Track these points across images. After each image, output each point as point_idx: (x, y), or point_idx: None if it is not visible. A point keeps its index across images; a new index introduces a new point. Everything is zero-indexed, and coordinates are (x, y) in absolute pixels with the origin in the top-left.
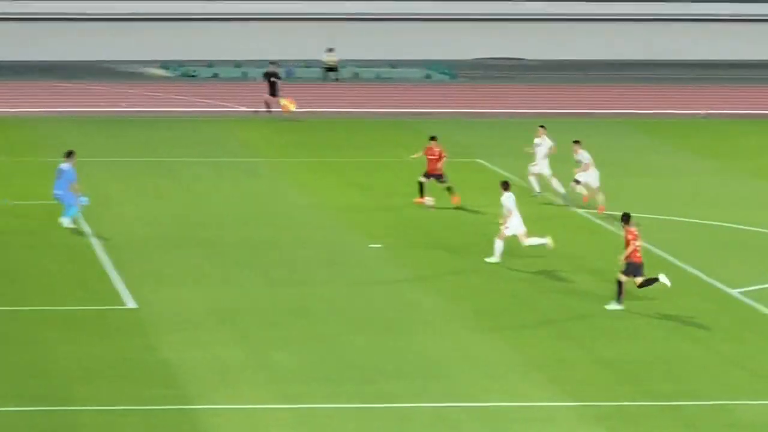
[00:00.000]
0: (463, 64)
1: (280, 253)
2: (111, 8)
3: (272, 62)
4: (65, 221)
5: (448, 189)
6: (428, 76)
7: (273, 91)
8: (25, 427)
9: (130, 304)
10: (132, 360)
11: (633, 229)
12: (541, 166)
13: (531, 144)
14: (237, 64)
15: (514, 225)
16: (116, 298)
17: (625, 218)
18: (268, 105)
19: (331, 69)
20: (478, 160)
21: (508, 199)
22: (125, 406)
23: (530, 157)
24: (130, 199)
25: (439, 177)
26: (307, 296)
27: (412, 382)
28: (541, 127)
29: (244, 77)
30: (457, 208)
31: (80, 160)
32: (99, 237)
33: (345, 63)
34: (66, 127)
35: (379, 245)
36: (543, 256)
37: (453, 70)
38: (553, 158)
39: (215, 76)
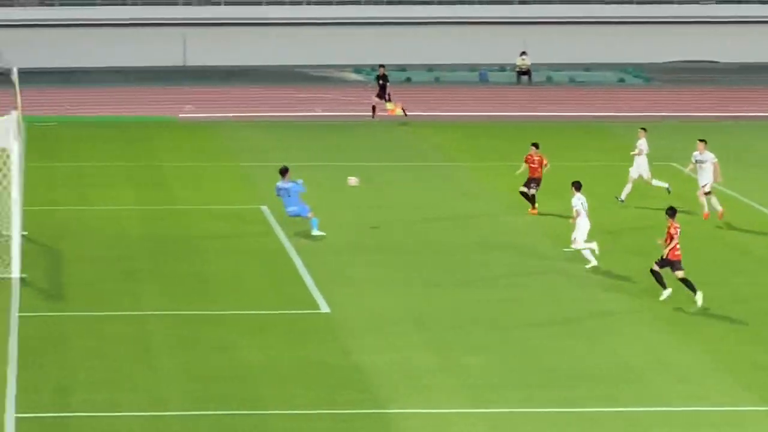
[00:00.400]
0: (657, 67)
1: (472, 257)
2: (304, 13)
3: (381, 65)
4: (316, 232)
5: (531, 197)
6: (621, 80)
7: (381, 94)
8: (221, 430)
9: (323, 308)
10: (324, 364)
11: (677, 224)
12: (641, 168)
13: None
14: (429, 68)
15: (582, 228)
16: (309, 302)
17: (671, 212)
18: (374, 109)
19: (524, 73)
20: (672, 164)
21: (577, 201)
22: (316, 410)
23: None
24: (323, 204)
25: (537, 182)
26: (498, 300)
27: (603, 386)
28: (642, 129)
29: (437, 81)
30: (641, 208)
31: (273, 165)
32: (292, 241)
33: (538, 66)
34: (260, 132)
35: (571, 249)
36: (736, 259)
37: (646, 74)
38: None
39: (408, 80)
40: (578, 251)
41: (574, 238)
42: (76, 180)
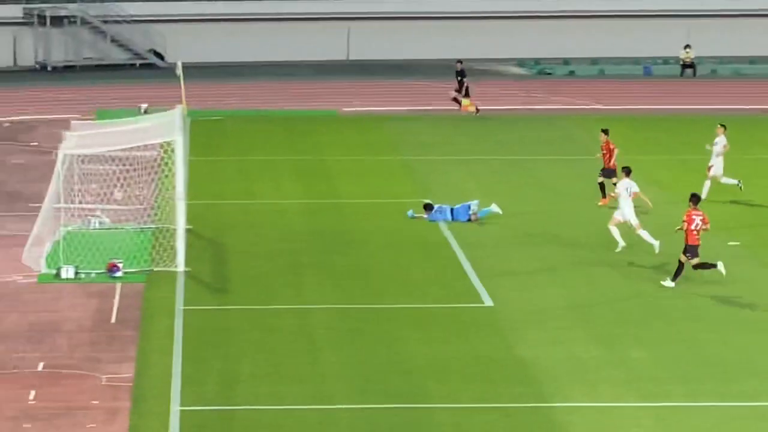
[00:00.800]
0: None
1: (637, 251)
2: (466, 7)
3: (459, 61)
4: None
5: (602, 186)
6: None
7: (460, 89)
8: (383, 424)
9: (487, 301)
10: (488, 358)
11: (696, 212)
12: (716, 166)
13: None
14: (593, 61)
15: (626, 213)
16: (473, 296)
17: (695, 199)
18: (457, 101)
19: (688, 65)
20: None
21: (622, 185)
22: (481, 404)
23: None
24: (486, 197)
25: (610, 173)
26: (663, 294)
27: None
28: (721, 125)
29: (601, 74)
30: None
31: (436, 158)
32: (455, 234)
33: (702, 59)
34: (422, 126)
35: (738, 243)
36: None
37: None
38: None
39: (571, 73)
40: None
41: (632, 223)
42: (240, 174)
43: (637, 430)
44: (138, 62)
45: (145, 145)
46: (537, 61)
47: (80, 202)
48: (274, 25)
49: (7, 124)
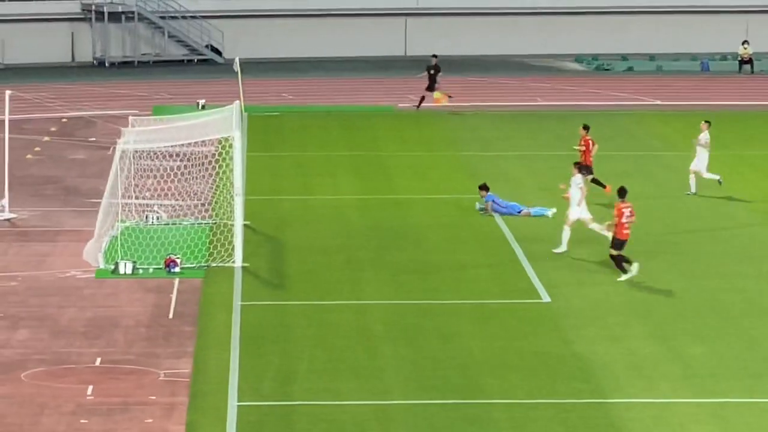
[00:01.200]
0: None
1: (695, 247)
2: (523, 3)
3: (434, 56)
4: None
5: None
6: None
7: (431, 85)
8: (440, 420)
9: (545, 297)
10: (546, 354)
11: (625, 205)
12: (699, 161)
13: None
14: (651, 57)
15: (576, 211)
16: (531, 292)
17: (621, 193)
18: (422, 99)
19: (746, 62)
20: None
21: (575, 180)
22: (539, 399)
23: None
24: (545, 194)
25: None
26: (722, 290)
27: None
28: (706, 122)
29: (659, 71)
30: None
31: (496, 154)
32: (513, 231)
33: (761, 56)
34: (480, 121)
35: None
36: None
37: None
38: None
39: (630, 69)
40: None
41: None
42: (297, 169)
43: (695, 426)
44: (195, 58)
45: (203, 141)
46: (595, 57)
47: (138, 198)
48: (331, 21)
49: (65, 120)
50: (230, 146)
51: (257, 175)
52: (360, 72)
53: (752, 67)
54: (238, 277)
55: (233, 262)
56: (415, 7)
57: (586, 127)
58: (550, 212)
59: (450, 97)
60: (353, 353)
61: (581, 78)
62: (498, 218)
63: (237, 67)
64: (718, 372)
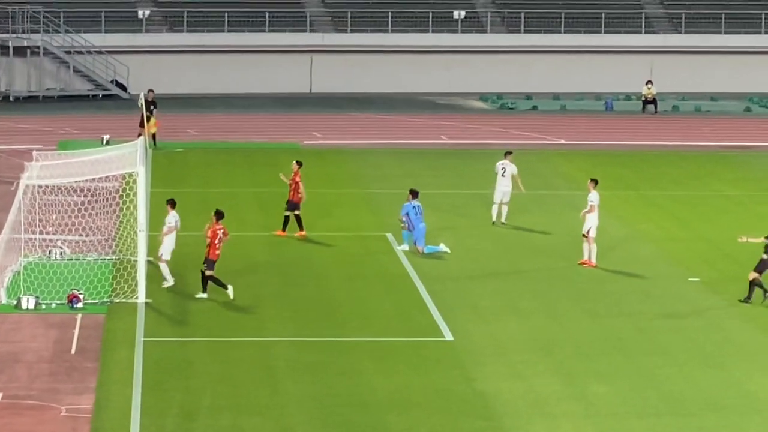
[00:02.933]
0: None
1: (598, 285)
2: (429, 41)
3: (150, 90)
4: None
5: (295, 219)
6: (748, 110)
7: (145, 119)
8: None
9: (447, 335)
10: (448, 391)
11: (219, 227)
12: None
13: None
14: (555, 96)
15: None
16: (433, 330)
17: (219, 215)
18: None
19: (650, 102)
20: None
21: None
22: None
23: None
24: (448, 231)
25: (294, 206)
26: (624, 328)
27: (731, 415)
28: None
29: (563, 110)
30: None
31: (399, 192)
32: (417, 268)
33: (664, 96)
34: (385, 159)
35: (698, 279)
36: None
37: None
38: None
39: (534, 108)
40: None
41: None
42: (202, 205)
43: None
44: (101, 93)
45: (108, 177)
46: (499, 96)
47: (41, 233)
48: (237, 57)
49: None
50: (134, 182)
51: (161, 210)
52: (265, 108)
53: (656, 107)
54: (141, 313)
55: (136, 297)
56: (321, 44)
57: (299, 163)
58: (443, 246)
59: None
60: (256, 390)
61: (486, 116)
62: (402, 256)
63: (142, 103)
64: (620, 410)
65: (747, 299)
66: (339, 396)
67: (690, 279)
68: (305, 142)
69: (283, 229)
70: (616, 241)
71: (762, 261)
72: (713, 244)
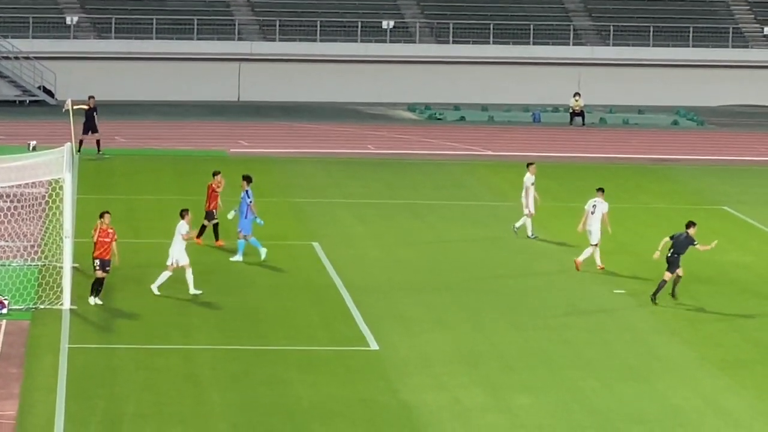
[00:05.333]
0: (711, 110)
1: (524, 298)
2: (357, 50)
3: (91, 96)
4: (238, 257)
5: (203, 228)
6: (675, 123)
7: (90, 126)
8: None
9: (373, 345)
10: (372, 401)
11: (109, 229)
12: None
13: None
14: (483, 107)
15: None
16: (359, 340)
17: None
18: (87, 142)
19: (578, 114)
20: (724, 208)
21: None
22: None
23: None
24: (375, 241)
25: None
26: (550, 341)
27: (655, 429)
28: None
29: (491, 121)
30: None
31: (326, 201)
32: (343, 278)
33: (591, 108)
34: (312, 168)
35: (623, 291)
36: None
37: (700, 117)
38: None
39: (462, 119)
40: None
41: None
42: (128, 213)
43: None
44: (27, 99)
45: (34, 183)
46: (428, 107)
47: None
48: (165, 65)
49: None
50: (61, 188)
51: (87, 217)
52: (193, 116)
53: (583, 119)
54: (66, 319)
55: (61, 304)
56: (249, 52)
57: (216, 173)
58: (263, 253)
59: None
60: (180, 398)
61: (414, 127)
62: (328, 265)
63: (68, 109)
64: (544, 423)
65: (653, 296)
66: (263, 405)
67: (615, 291)
68: (232, 150)
69: (217, 239)
70: (541, 252)
71: (670, 259)
72: (639, 256)
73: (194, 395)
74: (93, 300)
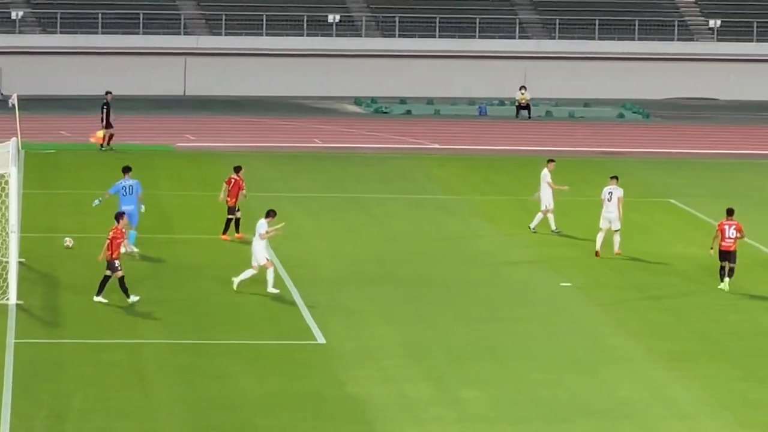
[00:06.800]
0: (657, 103)
1: (471, 290)
2: (304, 44)
3: (108, 92)
4: (131, 248)
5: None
6: (621, 116)
7: (105, 120)
8: None
9: (319, 339)
10: (318, 395)
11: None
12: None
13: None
14: (429, 101)
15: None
16: (305, 333)
17: (117, 217)
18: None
19: (524, 107)
20: (671, 201)
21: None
22: None
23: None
24: (322, 235)
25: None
26: (497, 334)
27: (601, 421)
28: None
29: (437, 114)
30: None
31: (273, 195)
32: (290, 272)
33: (537, 101)
34: (259, 162)
35: (569, 284)
36: (733, 296)
37: (646, 110)
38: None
39: (408, 112)
40: None
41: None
42: (74, 207)
43: None
44: None
45: None
46: (374, 100)
47: None
48: (111, 59)
49: None
50: (6, 183)
51: (33, 212)
52: (139, 110)
53: (530, 112)
54: (12, 314)
55: (7, 299)
56: (195, 46)
57: (239, 168)
58: (133, 248)
59: (107, 142)
60: (126, 392)
61: (360, 120)
62: (275, 259)
63: (14, 104)
64: (490, 415)
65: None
66: (209, 399)
67: (562, 284)
68: (179, 144)
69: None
70: (490, 245)
71: None
72: (585, 249)
73: (140, 389)
74: (133, 298)
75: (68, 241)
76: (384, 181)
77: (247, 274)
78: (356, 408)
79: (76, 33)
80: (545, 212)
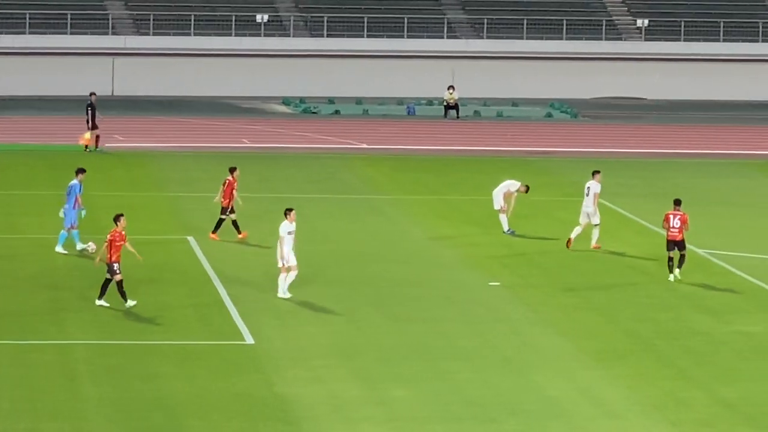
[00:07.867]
0: (584, 103)
1: (400, 290)
2: (232, 44)
3: (92, 93)
4: (81, 246)
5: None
6: (549, 115)
7: (91, 122)
8: None
9: (248, 339)
10: (248, 395)
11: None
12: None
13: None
14: (358, 101)
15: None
16: (234, 333)
17: (116, 219)
18: (97, 139)
19: (452, 107)
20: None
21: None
22: None
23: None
24: (250, 235)
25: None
26: (426, 333)
27: (531, 420)
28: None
29: (365, 114)
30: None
31: (201, 195)
32: (218, 272)
33: (466, 101)
34: (188, 162)
35: (498, 283)
36: (662, 295)
37: (574, 109)
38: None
39: (336, 112)
40: None
41: None
42: (3, 208)
43: None
44: None
45: None
46: (302, 100)
47: None
48: (38, 59)
49: None
50: None
51: None
52: (67, 111)
53: (458, 112)
54: None
55: None
56: (123, 46)
57: (234, 169)
58: (60, 247)
59: (95, 144)
60: (55, 393)
61: (288, 120)
62: (203, 259)
63: None
64: (420, 415)
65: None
66: (139, 400)
67: (491, 283)
68: (107, 144)
69: (214, 231)
70: (417, 245)
71: None
72: (514, 248)
73: (69, 390)
74: (130, 303)
75: (91, 246)
76: (312, 181)
77: (282, 279)
78: (285, 408)
79: (1, 33)
80: (502, 211)
